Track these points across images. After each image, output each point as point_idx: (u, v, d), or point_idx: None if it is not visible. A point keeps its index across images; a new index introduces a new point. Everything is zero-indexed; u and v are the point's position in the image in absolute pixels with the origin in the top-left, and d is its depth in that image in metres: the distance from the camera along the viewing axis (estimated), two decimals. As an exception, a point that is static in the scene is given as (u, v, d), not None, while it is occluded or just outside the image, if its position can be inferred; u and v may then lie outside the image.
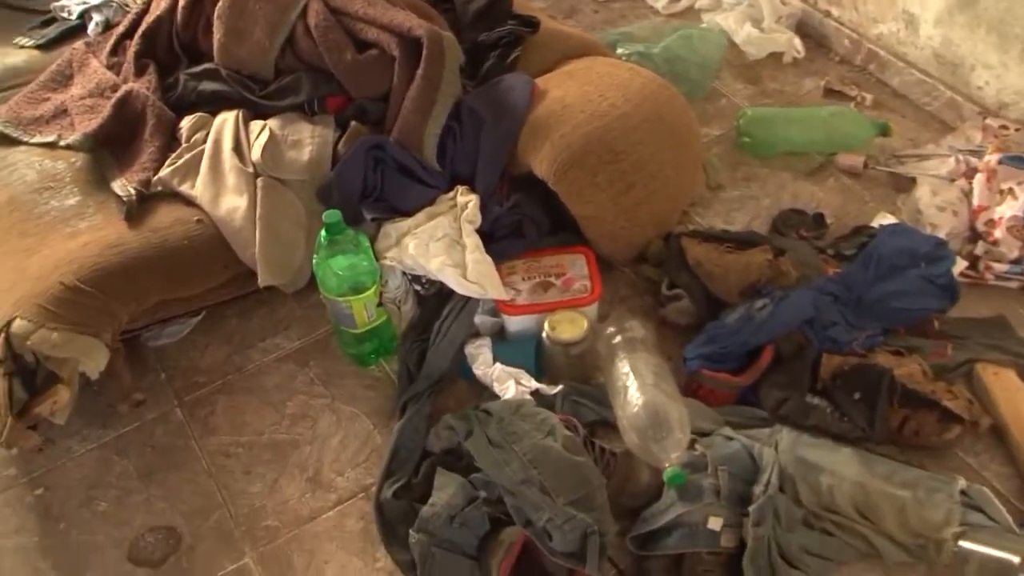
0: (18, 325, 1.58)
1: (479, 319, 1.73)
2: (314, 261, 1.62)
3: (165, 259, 1.72)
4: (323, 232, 1.58)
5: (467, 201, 1.75)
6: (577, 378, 1.63)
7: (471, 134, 1.80)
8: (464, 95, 1.87)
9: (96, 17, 2.25)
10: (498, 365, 1.63)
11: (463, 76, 1.91)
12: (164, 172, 1.83)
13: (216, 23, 1.95)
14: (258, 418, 1.70)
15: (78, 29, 2.27)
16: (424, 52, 1.79)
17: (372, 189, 1.79)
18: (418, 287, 1.79)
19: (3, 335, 1.57)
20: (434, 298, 1.79)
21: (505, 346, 1.69)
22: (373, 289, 1.65)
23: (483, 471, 1.44)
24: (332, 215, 1.56)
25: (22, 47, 2.26)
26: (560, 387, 1.59)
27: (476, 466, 1.47)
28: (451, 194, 1.79)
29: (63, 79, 2.12)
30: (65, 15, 2.31)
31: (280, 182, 1.81)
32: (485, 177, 1.78)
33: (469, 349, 1.68)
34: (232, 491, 1.60)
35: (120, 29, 2.15)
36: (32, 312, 1.59)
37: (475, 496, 1.44)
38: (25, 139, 1.99)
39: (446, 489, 1.46)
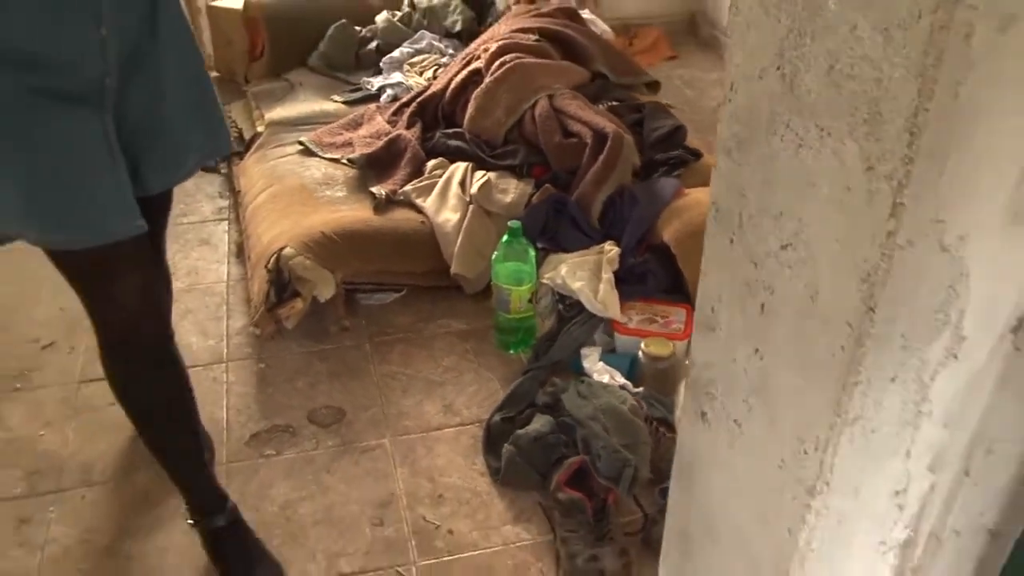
0: (287, 251, 2.37)
1: (597, 335, 2.34)
2: (493, 255, 2.33)
3: (392, 238, 2.49)
4: (505, 236, 2.29)
5: (612, 251, 2.41)
6: (658, 389, 2.19)
7: (627, 208, 2.49)
8: (631, 184, 2.57)
9: (388, 91, 3.19)
10: (601, 363, 2.23)
11: (636, 177, 2.62)
12: (408, 187, 2.64)
13: (472, 102, 2.79)
14: (422, 363, 2.37)
15: (374, 97, 3.21)
16: (608, 144, 2.52)
17: (548, 229, 2.50)
18: (561, 306, 2.44)
19: (276, 255, 2.37)
20: (571, 319, 2.43)
21: (610, 356, 2.29)
22: (528, 287, 2.32)
23: (567, 413, 2.03)
24: (516, 224, 2.27)
25: (335, 101, 3.22)
26: (642, 388, 2.16)
27: (564, 416, 2.06)
28: (602, 246, 2.46)
29: (355, 124, 3.03)
30: (368, 87, 3.26)
31: (485, 212, 2.56)
32: (629, 238, 2.44)
33: (584, 350, 2.29)
34: (389, 399, 2.25)
35: (403, 99, 3.05)
36: (298, 245, 2.38)
37: (556, 431, 2.02)
38: (320, 154, 2.87)
39: (538, 422, 2.05)
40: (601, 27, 3.28)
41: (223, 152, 1.78)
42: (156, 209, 1.65)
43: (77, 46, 1.34)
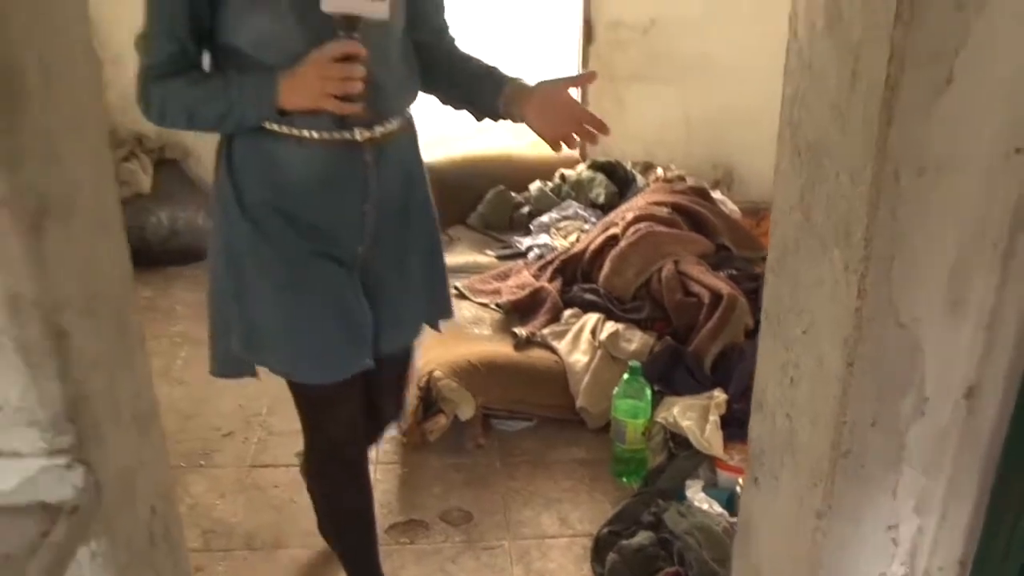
0: (436, 374, 2.80)
1: (701, 470, 2.62)
2: (615, 391, 2.68)
3: (528, 373, 2.88)
4: (626, 375, 2.65)
5: (720, 398, 2.72)
6: (754, 522, 2.43)
7: (736, 362, 2.81)
8: (742, 342, 2.89)
9: (536, 250, 3.67)
10: (703, 494, 2.50)
11: (748, 337, 2.95)
12: (546, 331, 3.05)
13: (607, 263, 3.22)
14: (544, 482, 2.71)
15: (522, 254, 3.70)
16: (723, 305, 2.88)
17: (665, 375, 2.84)
18: (671, 444, 2.74)
19: (427, 376, 2.80)
20: (679, 454, 2.72)
21: (712, 490, 2.55)
22: (643, 421, 2.64)
23: (667, 530, 2.30)
24: (636, 364, 2.63)
25: (488, 255, 3.73)
26: (736, 518, 2.41)
27: (664, 533, 2.33)
28: (712, 392, 2.77)
29: (504, 276, 3.51)
30: (518, 246, 3.77)
31: (612, 358, 2.93)
32: (736, 388, 2.74)
33: (688, 482, 2.57)
34: (511, 509, 2.58)
35: (548, 258, 3.52)
36: (446, 370, 2.81)
37: (657, 544, 2.29)
38: (471, 298, 3.35)
39: (641, 536, 2.33)
40: (730, 207, 3.70)
41: (447, 317, 1.96)
42: (389, 364, 1.88)
43: (345, 220, 1.61)
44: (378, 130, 1.58)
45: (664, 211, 3.31)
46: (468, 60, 1.74)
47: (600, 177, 3.94)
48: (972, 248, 1.00)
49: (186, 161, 4.32)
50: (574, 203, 3.88)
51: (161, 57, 1.45)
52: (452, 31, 1.78)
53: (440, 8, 1.74)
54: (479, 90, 1.68)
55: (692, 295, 3.02)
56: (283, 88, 1.43)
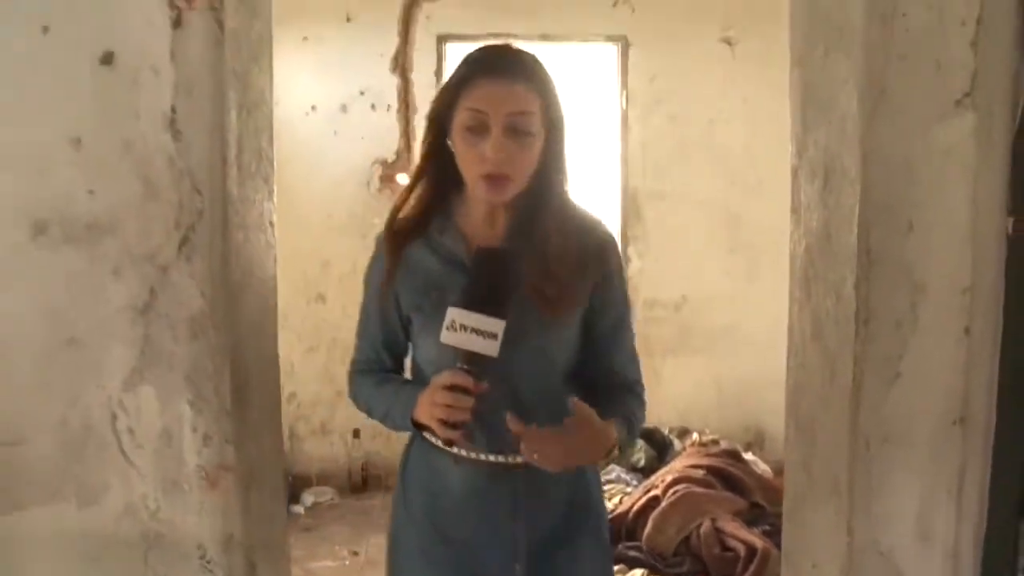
0: None
1: None
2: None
3: None
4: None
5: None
6: None
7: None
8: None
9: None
10: None
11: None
12: None
13: (650, 522, 3.53)
14: None
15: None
16: (758, 557, 3.16)
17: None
18: None
19: None
20: None
21: None
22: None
23: None
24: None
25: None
26: None
27: None
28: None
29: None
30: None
31: (655, 610, 3.18)
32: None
33: None
34: None
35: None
36: None
37: None
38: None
39: None
40: (762, 467, 4.03)
41: None
42: None
43: (494, 538, 1.56)
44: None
45: (700, 473, 3.65)
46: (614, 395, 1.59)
47: (640, 443, 4.32)
48: (931, 495, 1.38)
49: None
50: (617, 467, 4.23)
51: (361, 357, 1.67)
52: (629, 376, 1.61)
53: (613, 351, 1.60)
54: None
55: (729, 550, 3.30)
56: (418, 403, 1.51)
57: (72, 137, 1.24)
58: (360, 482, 4.29)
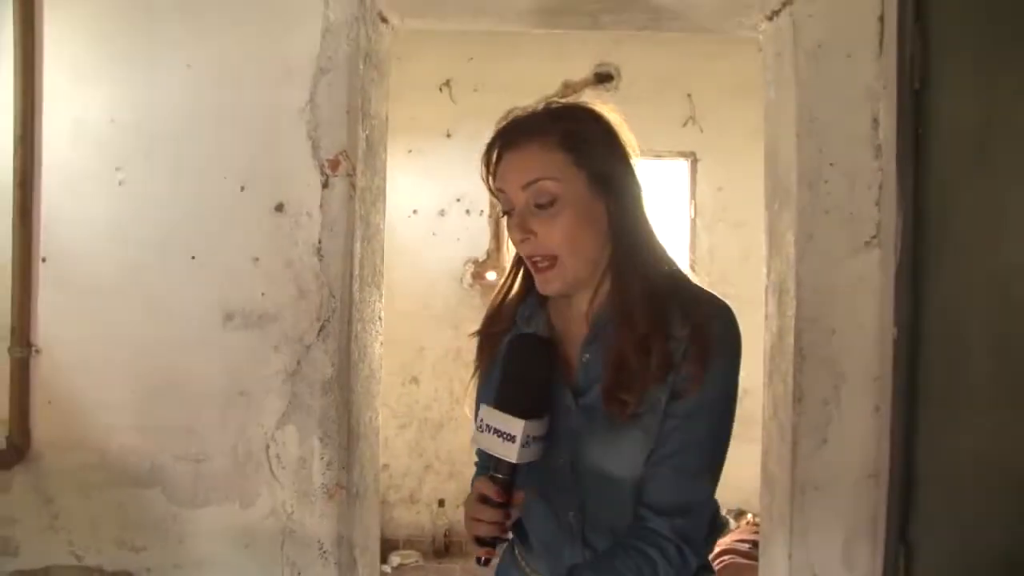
0: None
1: None
2: None
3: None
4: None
5: None
6: None
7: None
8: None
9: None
10: None
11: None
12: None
13: (700, 590, 3.99)
14: None
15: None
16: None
17: None
18: None
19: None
20: None
21: None
22: None
23: None
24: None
25: None
26: None
27: None
28: None
29: None
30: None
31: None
32: None
33: None
34: None
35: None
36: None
37: None
38: None
39: None
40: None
41: None
42: None
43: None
44: None
45: (745, 547, 4.09)
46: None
47: (699, 520, 4.77)
48: (853, 531, 1.89)
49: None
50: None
51: None
52: (658, 513, 1.27)
53: (658, 464, 1.27)
54: None
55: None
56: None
57: (253, 257, 1.92)
58: (443, 547, 4.83)
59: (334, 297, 1.91)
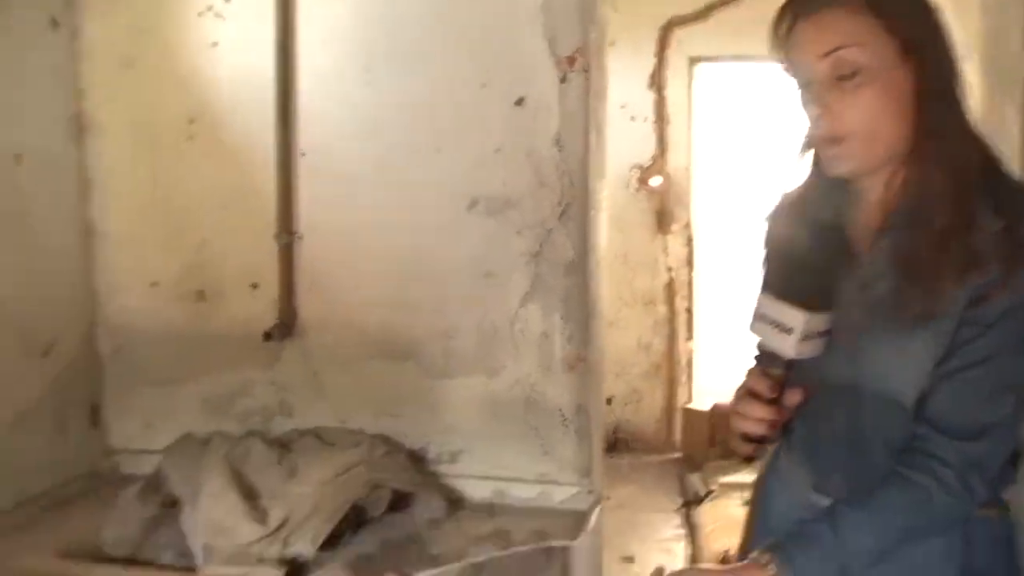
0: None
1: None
2: None
3: None
4: None
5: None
6: None
7: None
8: None
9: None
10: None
11: None
12: None
13: None
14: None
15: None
16: None
17: None
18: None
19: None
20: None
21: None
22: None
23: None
24: None
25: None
26: None
27: None
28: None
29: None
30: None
31: None
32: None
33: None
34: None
35: None
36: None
37: None
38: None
39: None
40: None
41: None
42: None
43: None
44: None
45: None
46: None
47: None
48: None
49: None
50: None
51: None
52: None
53: (951, 408, 1.12)
54: None
55: None
56: None
57: (495, 148, 2.09)
58: (612, 443, 5.04)
59: (574, 185, 2.07)
